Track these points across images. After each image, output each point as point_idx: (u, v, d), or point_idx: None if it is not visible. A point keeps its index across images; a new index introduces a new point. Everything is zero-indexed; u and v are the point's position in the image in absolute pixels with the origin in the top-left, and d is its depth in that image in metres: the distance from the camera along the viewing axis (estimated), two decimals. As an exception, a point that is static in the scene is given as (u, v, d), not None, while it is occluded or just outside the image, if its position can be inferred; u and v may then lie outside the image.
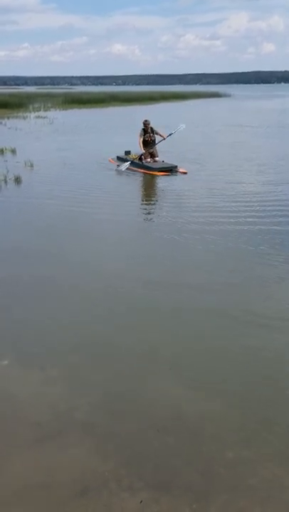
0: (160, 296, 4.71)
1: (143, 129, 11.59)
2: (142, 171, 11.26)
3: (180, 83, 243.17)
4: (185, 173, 10.95)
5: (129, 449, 2.77)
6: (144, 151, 11.52)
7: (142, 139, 11.55)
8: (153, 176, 10.85)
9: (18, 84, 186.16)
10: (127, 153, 12.13)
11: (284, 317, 4.27)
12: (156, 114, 25.28)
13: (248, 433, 2.89)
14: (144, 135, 11.55)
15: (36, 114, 31.60)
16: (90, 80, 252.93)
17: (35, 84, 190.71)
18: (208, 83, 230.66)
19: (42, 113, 32.19)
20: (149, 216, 7.96)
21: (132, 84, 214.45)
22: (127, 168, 11.35)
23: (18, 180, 10.19)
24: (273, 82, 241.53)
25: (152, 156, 11.69)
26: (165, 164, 11.36)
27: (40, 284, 5.04)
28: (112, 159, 12.39)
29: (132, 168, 11.40)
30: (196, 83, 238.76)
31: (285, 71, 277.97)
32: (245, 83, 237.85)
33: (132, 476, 2.57)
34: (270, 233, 6.57)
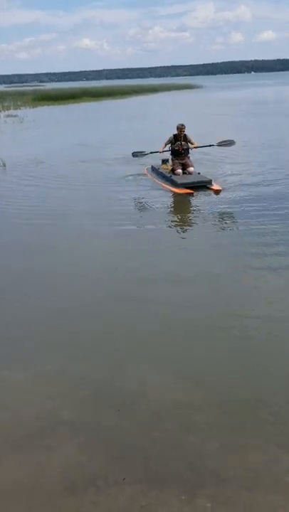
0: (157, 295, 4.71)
1: (174, 136, 9.20)
2: (164, 185, 8.93)
3: (150, 76, 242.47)
4: (219, 190, 8.31)
5: (117, 443, 2.76)
6: (160, 152, 9.33)
7: (165, 146, 9.30)
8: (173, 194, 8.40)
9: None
10: (165, 161, 9.75)
11: None
12: (130, 108, 25.18)
13: (234, 422, 2.90)
14: (174, 143, 9.15)
15: (6, 112, 31.13)
16: (59, 77, 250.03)
17: (4, 82, 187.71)
18: (178, 75, 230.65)
19: (12, 111, 31.72)
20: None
21: (103, 79, 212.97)
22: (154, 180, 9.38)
23: (-10, 180, 10.02)
24: (243, 72, 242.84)
25: (185, 166, 9.15)
26: (197, 177, 8.78)
27: (39, 280, 4.99)
28: (147, 170, 10.22)
29: (157, 181, 9.34)
30: (166, 75, 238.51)
31: (255, 60, 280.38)
32: (216, 74, 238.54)
33: (119, 470, 2.55)
34: None
